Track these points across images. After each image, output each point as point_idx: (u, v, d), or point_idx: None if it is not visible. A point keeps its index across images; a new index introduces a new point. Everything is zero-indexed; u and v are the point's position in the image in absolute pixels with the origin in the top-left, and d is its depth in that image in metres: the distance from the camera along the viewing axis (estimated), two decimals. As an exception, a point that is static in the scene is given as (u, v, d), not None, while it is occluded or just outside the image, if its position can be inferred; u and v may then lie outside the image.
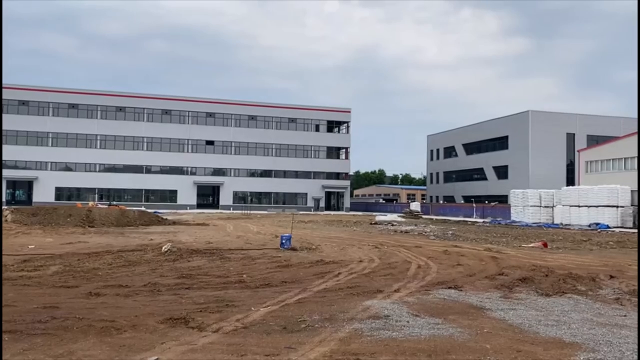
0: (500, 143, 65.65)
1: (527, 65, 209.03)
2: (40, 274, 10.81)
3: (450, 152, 78.65)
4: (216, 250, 15.93)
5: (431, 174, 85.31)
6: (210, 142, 70.35)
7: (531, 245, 20.13)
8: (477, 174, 70.86)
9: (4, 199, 60.93)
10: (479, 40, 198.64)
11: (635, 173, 41.43)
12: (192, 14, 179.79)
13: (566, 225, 37.33)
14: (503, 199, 57.42)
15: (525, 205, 43.49)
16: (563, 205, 39.77)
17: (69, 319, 6.68)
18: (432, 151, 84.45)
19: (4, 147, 62.81)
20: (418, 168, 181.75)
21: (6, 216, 26.28)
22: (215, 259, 13.76)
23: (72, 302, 7.95)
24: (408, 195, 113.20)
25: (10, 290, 8.83)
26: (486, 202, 57.50)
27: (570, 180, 55.62)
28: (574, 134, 60.47)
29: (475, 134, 71.43)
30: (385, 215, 50.55)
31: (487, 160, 68.16)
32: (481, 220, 46.89)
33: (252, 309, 7.63)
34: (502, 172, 65.13)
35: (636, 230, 31.66)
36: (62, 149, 65.23)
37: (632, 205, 36.47)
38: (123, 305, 7.77)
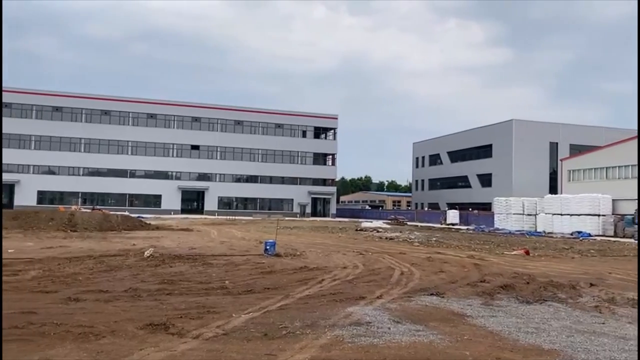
0: (484, 151, 66.27)
1: (510, 75, 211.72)
2: (19, 279, 10.63)
3: (435, 159, 79.19)
4: (199, 256, 15.80)
5: (416, 181, 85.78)
6: (195, 147, 69.97)
7: (513, 252, 20.30)
8: (462, 182, 71.39)
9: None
10: (463, 49, 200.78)
11: (617, 182, 42.07)
12: (179, 17, 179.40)
13: (549, 233, 37.73)
14: (487, 207, 57.88)
15: (509, 212, 43.92)
16: (546, 214, 40.22)
17: (47, 325, 6.58)
18: (417, 159, 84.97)
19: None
20: (404, 175, 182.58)
21: (-14, 220, 25.86)
22: (197, 264, 13.65)
23: (50, 307, 7.83)
24: (394, 201, 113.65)
25: (-14, 295, 8.68)
26: (470, 209, 57.94)
27: (553, 189, 56.27)
28: (557, 143, 61.26)
29: (459, 142, 72.06)
30: (371, 221, 50.69)
31: (471, 168, 68.73)
32: (465, 227, 47.22)
33: (234, 315, 7.58)
34: (485, 180, 65.71)
35: (617, 239, 32.12)
36: (45, 152, 64.44)
37: (613, 214, 36.98)
38: (102, 311, 7.68)
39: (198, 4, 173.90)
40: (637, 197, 34.64)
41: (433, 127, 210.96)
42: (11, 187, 63.60)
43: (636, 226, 33.83)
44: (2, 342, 5.82)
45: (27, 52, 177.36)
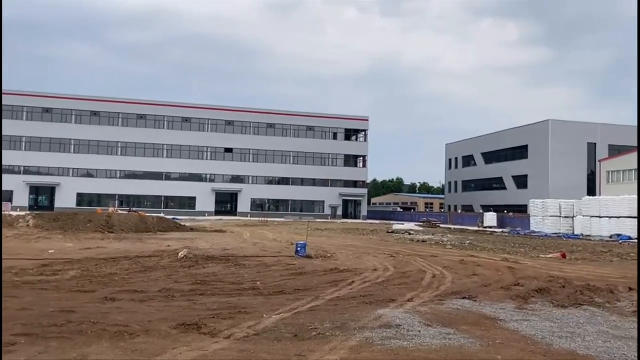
0: (519, 152, 65.00)
1: (547, 74, 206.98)
2: (59, 279, 11.00)
3: (469, 161, 78.10)
4: (232, 257, 16.01)
5: (449, 183, 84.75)
6: (229, 150, 70.89)
7: (550, 256, 19.86)
8: (496, 184, 70.19)
9: (27, 205, 62.12)
10: (498, 49, 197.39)
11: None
12: (213, 23, 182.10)
13: (587, 236, 36.71)
14: (522, 209, 56.74)
15: (545, 215, 42.92)
16: (584, 216, 39.14)
17: (84, 323, 6.80)
18: (450, 160, 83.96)
19: (28, 153, 64.29)
20: (436, 177, 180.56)
21: (28, 221, 26.79)
22: (230, 265, 13.84)
23: (87, 306, 8.07)
24: (426, 204, 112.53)
25: (29, 294, 9.02)
26: (505, 211, 56.89)
27: (592, 191, 54.74)
28: (595, 144, 59.60)
29: (494, 143, 70.89)
30: (403, 224, 50.26)
31: (506, 170, 67.52)
32: (500, 230, 46.37)
33: (265, 316, 7.67)
34: (521, 181, 64.44)
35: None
36: (84, 155, 66.29)
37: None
38: (137, 311, 7.88)
39: (231, 9, 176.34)
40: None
41: (467, 128, 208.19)
42: (52, 190, 65.71)
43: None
44: (43, 339, 6.04)
45: (67, 58, 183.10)
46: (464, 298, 9.65)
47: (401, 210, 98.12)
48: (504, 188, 68.11)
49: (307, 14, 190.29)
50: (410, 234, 35.79)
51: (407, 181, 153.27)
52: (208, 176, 70.25)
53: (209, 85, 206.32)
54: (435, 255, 18.46)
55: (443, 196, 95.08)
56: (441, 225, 54.06)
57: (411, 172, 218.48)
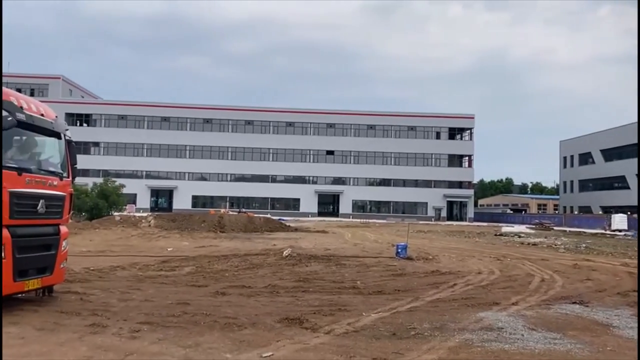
0: (644, 148, 59.38)
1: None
2: (176, 274, 11.97)
3: (586, 158, 72.74)
4: (333, 256, 16.33)
5: (564, 183, 79.45)
6: (330, 152, 72.11)
7: (679, 261, 18.02)
8: (618, 182, 64.67)
9: (148, 206, 67.58)
10: (619, 37, 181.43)
11: None
12: (316, 29, 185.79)
13: None
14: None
15: (676, 217, 38.88)
16: None
17: (198, 315, 7.39)
18: (565, 158, 78.69)
19: (149, 159, 70.07)
20: (550, 176, 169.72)
21: (149, 222, 29.19)
22: (331, 265, 14.17)
23: (201, 299, 8.74)
24: (538, 205, 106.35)
25: (150, 287, 9.94)
26: (628, 213, 52.24)
27: None
28: None
29: (615, 138, 65.36)
30: (513, 226, 48.08)
31: (629, 167, 61.93)
32: (622, 233, 42.70)
33: (364, 314, 7.82)
34: (647, 180, 58.81)
35: None
36: (198, 160, 70.86)
37: None
38: (245, 305, 8.39)
39: (334, 14, 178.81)
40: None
41: (581, 123, 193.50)
42: (170, 193, 70.98)
43: None
44: (163, 327, 6.67)
45: (185, 69, 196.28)
46: (574, 303, 9.14)
47: (511, 211, 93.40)
48: (627, 187, 62.55)
49: (409, 13, 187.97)
50: (520, 236, 34.14)
51: (517, 181, 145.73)
52: (311, 178, 71.96)
53: (312, 90, 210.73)
54: (545, 259, 17.54)
55: (557, 197, 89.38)
56: (555, 228, 50.87)
57: (522, 171, 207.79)
